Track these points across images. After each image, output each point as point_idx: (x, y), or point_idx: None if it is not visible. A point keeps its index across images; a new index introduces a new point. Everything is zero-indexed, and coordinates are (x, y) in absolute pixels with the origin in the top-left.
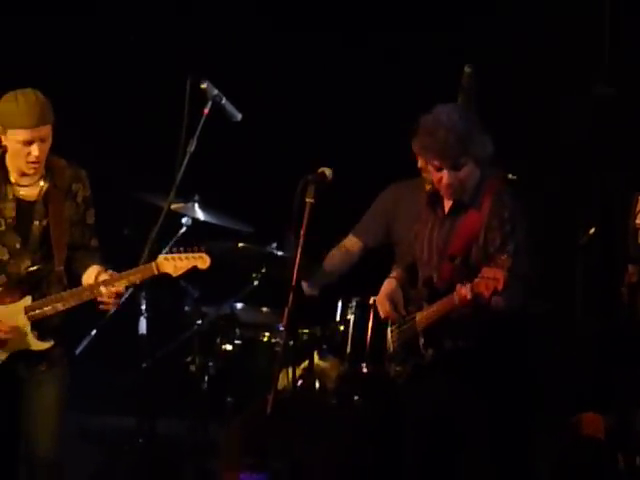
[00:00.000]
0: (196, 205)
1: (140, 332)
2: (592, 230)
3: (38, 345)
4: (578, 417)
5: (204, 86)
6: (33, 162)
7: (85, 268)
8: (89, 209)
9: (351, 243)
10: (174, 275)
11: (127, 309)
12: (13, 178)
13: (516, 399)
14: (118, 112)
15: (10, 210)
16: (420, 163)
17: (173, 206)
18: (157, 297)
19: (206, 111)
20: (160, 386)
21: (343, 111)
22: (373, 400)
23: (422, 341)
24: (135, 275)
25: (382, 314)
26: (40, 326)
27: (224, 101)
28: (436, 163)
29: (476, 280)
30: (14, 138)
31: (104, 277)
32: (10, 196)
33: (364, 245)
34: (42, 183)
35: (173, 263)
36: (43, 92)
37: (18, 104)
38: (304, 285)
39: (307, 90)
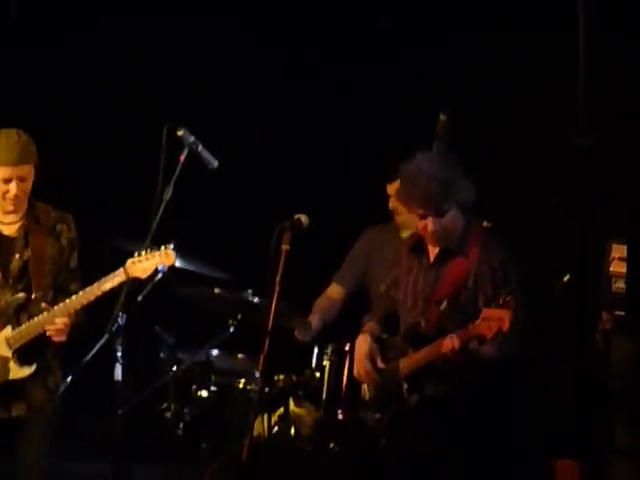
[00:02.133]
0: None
1: (116, 378)
2: (567, 277)
3: (20, 372)
4: (553, 463)
5: (180, 133)
6: (12, 199)
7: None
8: (73, 252)
9: (333, 291)
10: (143, 277)
11: (103, 355)
12: None
13: (499, 447)
14: (94, 158)
15: None
16: (391, 205)
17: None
18: (132, 344)
19: (182, 158)
20: (135, 432)
21: (317, 157)
22: (349, 447)
23: (405, 387)
24: (107, 281)
25: (362, 376)
26: (22, 353)
27: (200, 148)
28: (420, 211)
29: (476, 322)
30: None
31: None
32: None
33: (346, 291)
34: (23, 219)
35: (140, 266)
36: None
37: (0, 141)
38: (297, 333)
39: (282, 137)
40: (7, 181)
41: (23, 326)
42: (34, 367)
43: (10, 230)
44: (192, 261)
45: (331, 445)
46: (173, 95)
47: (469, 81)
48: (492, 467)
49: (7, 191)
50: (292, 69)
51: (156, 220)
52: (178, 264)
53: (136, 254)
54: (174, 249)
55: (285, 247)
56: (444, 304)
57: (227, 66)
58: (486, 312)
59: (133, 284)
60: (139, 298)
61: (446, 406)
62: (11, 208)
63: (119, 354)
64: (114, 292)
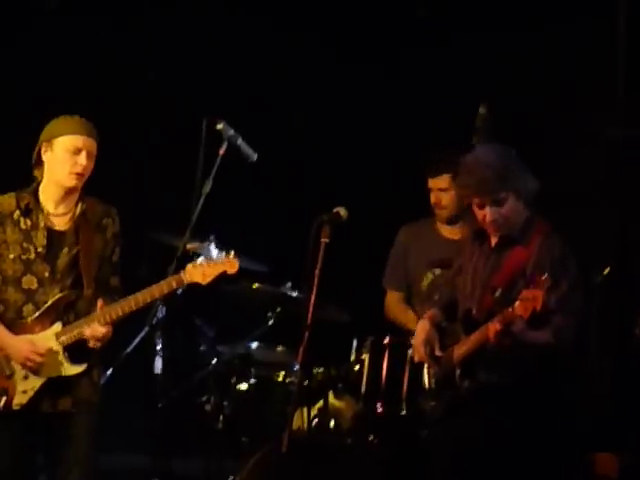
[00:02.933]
0: (212, 245)
1: (155, 371)
2: (607, 270)
3: (71, 369)
4: (592, 456)
5: (220, 127)
6: (78, 173)
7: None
8: (116, 246)
9: (393, 297)
10: (203, 283)
11: (143, 349)
12: (46, 208)
13: (550, 436)
14: (134, 151)
15: (41, 239)
16: (434, 199)
17: (189, 246)
18: (172, 337)
19: (222, 152)
20: (175, 425)
21: (358, 150)
22: (388, 440)
23: (458, 373)
24: (164, 286)
25: (417, 359)
26: (72, 351)
27: (240, 141)
28: (477, 200)
29: (515, 304)
30: (63, 145)
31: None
32: (42, 224)
33: (403, 292)
34: (74, 213)
35: (201, 270)
36: None
37: (68, 118)
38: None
39: (322, 130)
40: (78, 151)
41: (73, 324)
42: (85, 365)
43: (60, 224)
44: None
45: (370, 438)
46: (212, 88)
47: (505, 73)
48: (541, 458)
49: (75, 162)
50: (331, 63)
51: (196, 213)
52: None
53: (198, 259)
54: (236, 256)
55: (324, 240)
56: (498, 291)
57: (266, 58)
58: (523, 293)
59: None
60: (179, 291)
61: (500, 394)
62: (73, 183)
63: (159, 347)
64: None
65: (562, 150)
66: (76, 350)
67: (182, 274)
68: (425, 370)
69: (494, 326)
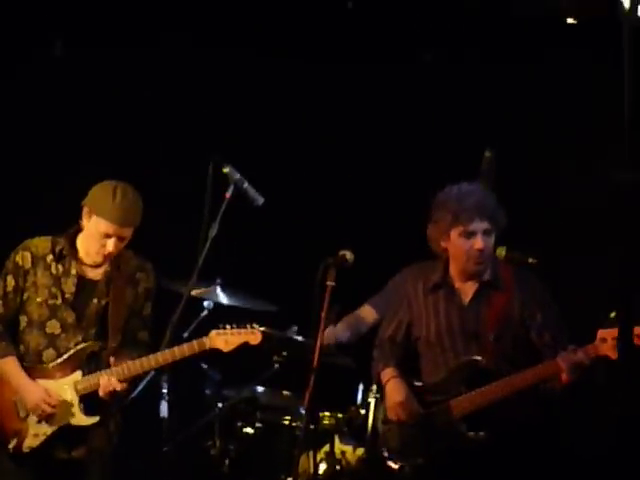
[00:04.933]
0: (218, 288)
1: (161, 415)
2: (613, 314)
3: (83, 420)
4: None
5: (226, 170)
6: (104, 254)
7: (120, 358)
8: (148, 301)
9: (366, 312)
10: (225, 350)
11: (148, 392)
12: (80, 256)
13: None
14: (140, 194)
15: (70, 285)
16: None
17: (194, 292)
18: (178, 380)
19: (228, 195)
20: (181, 469)
21: (364, 194)
22: None
23: (464, 427)
24: (186, 349)
25: (396, 420)
26: (88, 402)
27: (246, 185)
28: (469, 227)
29: (595, 344)
30: (96, 226)
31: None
32: (73, 272)
33: (378, 317)
34: (107, 265)
35: (224, 338)
36: None
37: (115, 197)
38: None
39: (328, 174)
40: (108, 237)
41: (92, 375)
42: (97, 418)
43: (93, 273)
44: (238, 297)
45: None
46: (218, 132)
47: (511, 116)
48: None
49: (103, 245)
50: (336, 106)
51: (202, 257)
52: (224, 301)
53: (222, 326)
54: (263, 331)
55: (330, 283)
56: (491, 337)
57: (272, 101)
58: (603, 333)
59: (178, 321)
60: (185, 335)
61: (512, 439)
62: (100, 261)
63: (165, 390)
64: (161, 328)
65: (567, 193)
66: (92, 401)
67: (205, 339)
68: (385, 431)
69: (581, 361)
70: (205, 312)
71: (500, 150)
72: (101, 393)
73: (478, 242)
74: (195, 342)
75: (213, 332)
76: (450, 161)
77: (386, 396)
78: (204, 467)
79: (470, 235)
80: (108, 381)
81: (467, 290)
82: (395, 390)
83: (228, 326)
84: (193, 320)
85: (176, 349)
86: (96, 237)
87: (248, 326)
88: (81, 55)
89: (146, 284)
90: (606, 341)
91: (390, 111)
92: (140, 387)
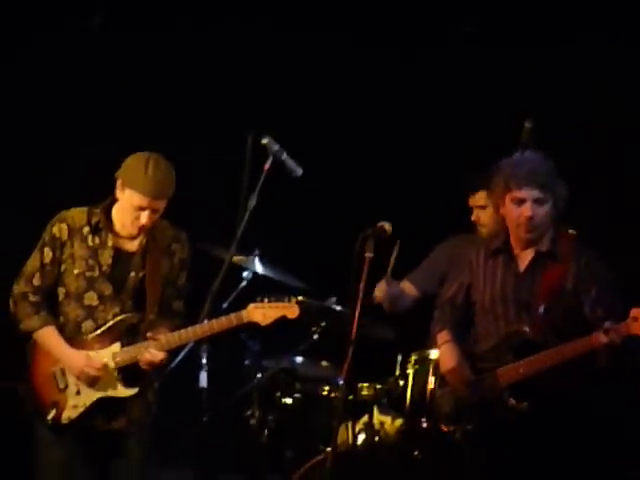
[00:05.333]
0: (256, 259)
1: (201, 385)
2: None
3: (122, 392)
4: None
5: (265, 142)
6: (138, 227)
7: (157, 329)
8: (182, 271)
9: (406, 287)
10: (263, 324)
11: (188, 363)
12: (116, 228)
13: (607, 451)
14: (181, 166)
15: (107, 257)
16: (475, 216)
17: (235, 258)
18: (218, 351)
19: (267, 166)
20: (220, 439)
21: (402, 165)
22: (433, 455)
23: (510, 396)
24: (224, 322)
25: (455, 384)
26: (126, 373)
27: (285, 156)
28: (519, 194)
29: (625, 323)
30: (129, 199)
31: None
32: (109, 244)
33: (418, 292)
34: (143, 236)
35: (262, 311)
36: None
37: (147, 170)
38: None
39: (366, 145)
40: (141, 209)
41: (131, 347)
42: (136, 389)
43: (129, 245)
44: (276, 269)
45: (415, 453)
46: (257, 102)
47: (556, 84)
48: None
49: (137, 217)
50: (372, 75)
51: (241, 228)
52: (262, 271)
53: (259, 299)
54: (299, 303)
55: (368, 255)
56: (541, 309)
57: (312, 73)
58: (634, 311)
59: (217, 291)
60: (224, 305)
61: (556, 412)
62: (134, 233)
63: (204, 361)
64: (200, 298)
65: (611, 162)
66: (130, 373)
67: (243, 313)
68: (440, 394)
69: (605, 340)
70: (244, 283)
71: (540, 121)
72: (142, 364)
73: (527, 210)
74: (233, 315)
75: (251, 305)
76: (491, 133)
77: (439, 360)
78: (243, 437)
79: (520, 202)
80: (148, 352)
81: (524, 258)
82: (448, 355)
83: (266, 299)
84: (232, 291)
85: (214, 322)
86: (130, 210)
87: (286, 299)
88: (120, 26)
89: (181, 254)
90: (637, 320)
91: (431, 83)
92: (179, 358)
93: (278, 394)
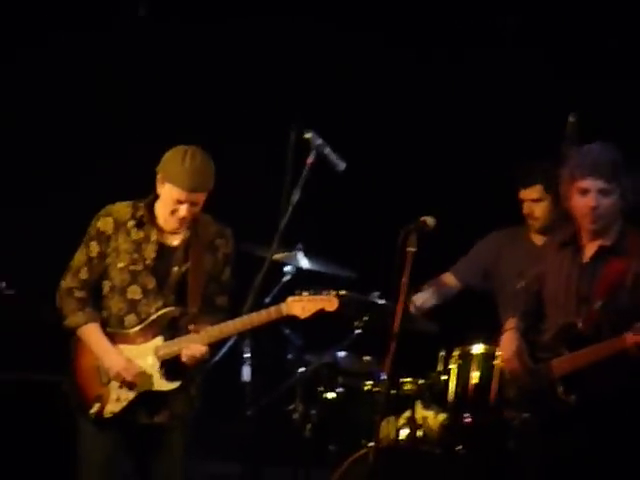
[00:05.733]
0: (300, 253)
1: (244, 379)
2: None
3: (165, 385)
4: None
5: (308, 136)
6: (178, 220)
7: (200, 325)
8: (227, 266)
9: (448, 279)
10: (302, 317)
11: (231, 357)
12: (159, 223)
13: None
14: (222, 161)
15: (151, 252)
16: (526, 209)
17: (276, 256)
18: (261, 345)
19: (310, 161)
20: (264, 433)
21: (447, 159)
22: (476, 450)
23: (561, 388)
24: (264, 315)
25: (508, 370)
26: (169, 367)
27: (327, 150)
28: (584, 184)
29: None
30: (169, 193)
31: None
32: (153, 238)
33: (461, 283)
34: (186, 231)
35: (301, 305)
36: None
37: (184, 163)
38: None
39: (411, 138)
40: (179, 202)
41: (173, 341)
42: (178, 383)
43: (172, 240)
44: (320, 262)
45: (458, 448)
46: (300, 97)
47: (594, 81)
48: None
49: (176, 210)
50: (418, 69)
51: (284, 223)
52: (306, 266)
53: (298, 292)
54: (339, 296)
55: (411, 249)
56: (598, 304)
57: (356, 67)
58: None
59: (259, 286)
60: (267, 300)
61: (604, 407)
62: (176, 226)
63: (247, 355)
64: (243, 294)
65: None
66: (172, 366)
67: (282, 306)
68: (507, 380)
69: (632, 340)
70: (287, 277)
71: (584, 115)
72: (184, 358)
73: (591, 200)
74: (273, 309)
75: (290, 299)
76: (535, 127)
77: (501, 347)
78: (286, 431)
79: (585, 192)
80: (190, 346)
81: (589, 250)
82: (508, 342)
83: (305, 292)
84: (275, 286)
85: (254, 315)
86: (169, 203)
87: (325, 292)
88: (162, 18)
89: (225, 250)
90: None
91: (475, 78)
92: (222, 352)
93: (321, 389)
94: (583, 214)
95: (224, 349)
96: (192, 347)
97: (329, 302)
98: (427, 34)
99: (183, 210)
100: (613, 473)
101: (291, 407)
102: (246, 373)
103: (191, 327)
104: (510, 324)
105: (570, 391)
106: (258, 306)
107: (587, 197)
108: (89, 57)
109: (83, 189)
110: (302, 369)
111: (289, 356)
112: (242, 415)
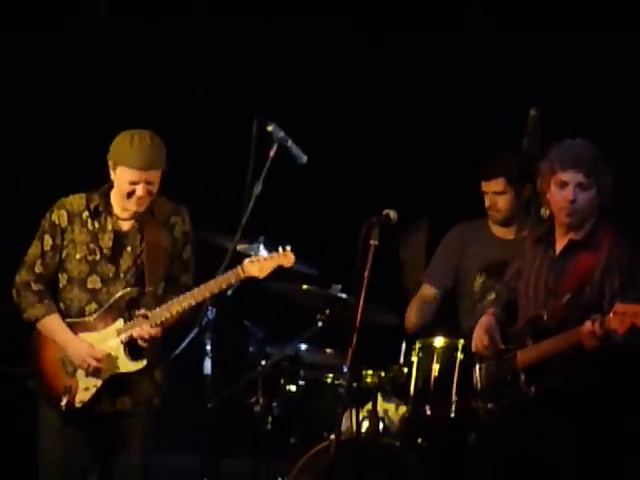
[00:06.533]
0: (261, 246)
1: (205, 372)
2: None
3: (131, 366)
4: None
5: (270, 128)
6: (135, 201)
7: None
8: (186, 244)
9: (427, 292)
10: (261, 277)
11: (192, 350)
12: (115, 211)
13: (615, 441)
14: (185, 153)
15: (107, 241)
16: (488, 202)
17: (239, 247)
18: (222, 338)
19: (272, 153)
20: (225, 426)
21: (407, 153)
22: (437, 442)
23: (523, 378)
24: (222, 281)
25: (478, 348)
26: (133, 349)
27: (290, 143)
28: (564, 177)
29: (608, 316)
30: (121, 176)
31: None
32: (109, 227)
33: (440, 291)
34: (139, 214)
35: (258, 265)
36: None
37: (132, 144)
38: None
39: (371, 133)
40: (135, 184)
41: (132, 322)
42: (145, 362)
43: (127, 225)
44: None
45: (419, 441)
46: (262, 89)
47: (556, 74)
48: (607, 463)
49: (132, 192)
50: (381, 61)
51: (246, 215)
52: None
53: (253, 254)
54: (292, 250)
55: (373, 242)
56: (566, 298)
57: (316, 59)
58: (619, 307)
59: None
60: (229, 292)
61: (562, 399)
62: (134, 208)
63: (208, 348)
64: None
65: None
66: (136, 347)
67: (239, 269)
68: (476, 371)
69: (594, 327)
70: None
71: (545, 109)
72: (139, 342)
73: (569, 193)
74: (231, 272)
75: (246, 261)
76: (496, 121)
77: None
78: (247, 424)
79: (564, 185)
80: (142, 327)
81: (561, 244)
82: (481, 323)
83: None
84: None
85: (212, 283)
86: (125, 187)
87: (280, 249)
88: (125, 11)
89: (182, 227)
90: (618, 316)
91: (435, 71)
92: (184, 344)
93: (282, 381)
94: (560, 207)
95: (186, 342)
96: (143, 328)
97: (285, 258)
98: (389, 23)
99: (140, 190)
100: (565, 467)
101: (252, 400)
102: (207, 366)
103: (139, 312)
104: (488, 312)
105: (531, 382)
106: (220, 298)
107: (565, 190)
108: (47, 47)
109: (34, 185)
110: (264, 362)
111: (250, 349)
112: (203, 407)
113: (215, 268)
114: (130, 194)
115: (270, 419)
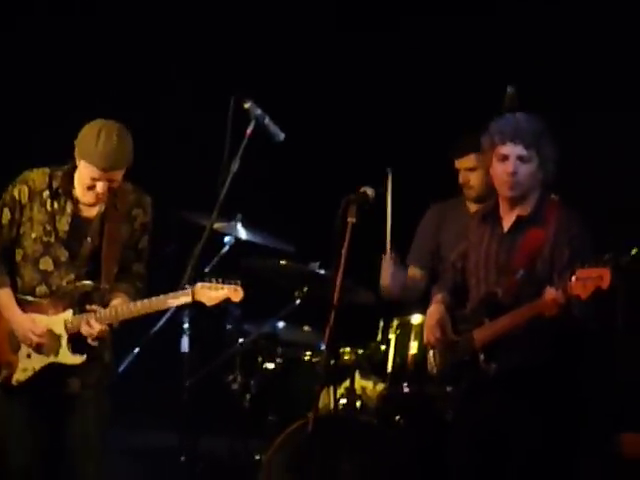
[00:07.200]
0: (239, 224)
1: (182, 350)
2: (634, 251)
3: (69, 359)
4: (620, 437)
5: (247, 106)
6: (94, 196)
7: (115, 293)
8: (144, 235)
9: (412, 272)
10: (207, 305)
11: (170, 328)
12: (77, 194)
13: (569, 417)
14: (162, 131)
15: (64, 224)
16: (462, 179)
17: (216, 225)
18: (199, 316)
19: (249, 131)
20: (202, 404)
21: (385, 131)
22: (414, 420)
23: (482, 357)
24: (171, 300)
25: (430, 341)
26: (77, 341)
27: (267, 121)
28: (504, 150)
29: (571, 282)
30: (83, 169)
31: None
32: (68, 210)
33: (426, 272)
34: (102, 205)
35: (208, 293)
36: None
37: (97, 143)
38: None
39: (350, 110)
40: (95, 180)
41: (82, 315)
42: (84, 357)
43: (88, 212)
44: (259, 233)
45: (396, 418)
46: (240, 66)
47: (533, 51)
48: (564, 439)
49: (92, 186)
50: (357, 39)
51: (223, 193)
52: (245, 236)
53: (208, 279)
54: (243, 287)
55: (351, 220)
56: (520, 273)
57: (294, 36)
58: (581, 272)
59: (199, 256)
60: (206, 270)
61: (528, 375)
62: (92, 202)
63: (186, 326)
64: (182, 263)
65: (593, 128)
66: (80, 341)
67: (189, 292)
68: (430, 356)
69: (556, 295)
70: (226, 248)
71: (522, 86)
72: (85, 334)
73: (509, 166)
74: (180, 293)
75: (199, 285)
76: (472, 97)
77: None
78: (225, 402)
79: (504, 159)
80: (90, 323)
81: (507, 220)
82: (431, 314)
83: (214, 280)
84: (214, 255)
85: (162, 298)
86: (86, 180)
87: (233, 282)
88: None
89: (143, 219)
90: (581, 281)
91: (410, 48)
92: (161, 322)
93: (260, 359)
94: (502, 181)
95: (163, 320)
96: (91, 324)
97: (235, 292)
98: (363, 3)
99: (100, 187)
100: (525, 442)
101: (230, 378)
102: (185, 344)
103: (90, 308)
104: (435, 299)
105: (490, 360)
106: (197, 275)
107: (506, 163)
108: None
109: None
110: (241, 340)
111: (228, 327)
112: (181, 385)
113: (193, 246)
114: (90, 187)
115: (248, 397)
